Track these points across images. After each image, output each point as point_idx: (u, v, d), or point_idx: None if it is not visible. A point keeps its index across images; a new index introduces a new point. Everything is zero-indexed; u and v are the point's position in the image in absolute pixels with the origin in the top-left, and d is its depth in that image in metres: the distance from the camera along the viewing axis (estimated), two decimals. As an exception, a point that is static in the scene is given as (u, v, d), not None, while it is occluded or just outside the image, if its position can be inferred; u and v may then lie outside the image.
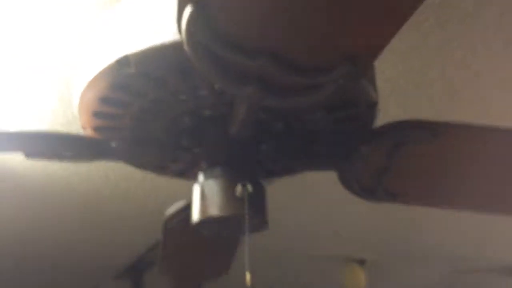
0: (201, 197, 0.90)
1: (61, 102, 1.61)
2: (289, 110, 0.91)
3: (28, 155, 0.91)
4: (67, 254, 2.77)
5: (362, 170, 1.02)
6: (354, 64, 0.66)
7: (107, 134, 0.96)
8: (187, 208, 1.05)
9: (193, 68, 0.79)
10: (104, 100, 0.87)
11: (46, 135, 0.90)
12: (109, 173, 2.10)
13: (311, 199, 2.37)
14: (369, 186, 1.06)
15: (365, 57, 0.65)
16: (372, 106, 0.93)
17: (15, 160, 1.92)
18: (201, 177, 0.94)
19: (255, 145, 0.98)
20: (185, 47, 0.69)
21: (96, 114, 0.91)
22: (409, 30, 1.39)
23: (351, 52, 0.65)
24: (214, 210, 0.87)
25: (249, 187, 0.86)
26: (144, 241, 2.62)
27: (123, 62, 0.79)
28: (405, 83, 1.60)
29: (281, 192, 2.23)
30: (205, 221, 0.88)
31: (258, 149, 1.02)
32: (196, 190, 0.92)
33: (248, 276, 0.82)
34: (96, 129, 0.95)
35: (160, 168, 1.11)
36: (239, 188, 0.86)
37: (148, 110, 0.91)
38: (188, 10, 0.64)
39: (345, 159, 1.01)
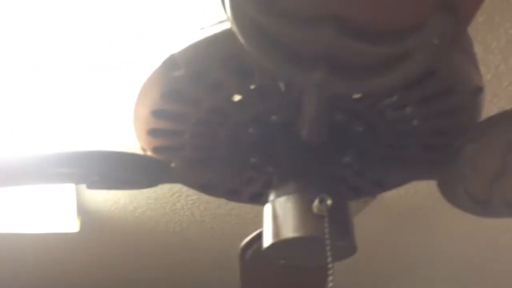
0: (273, 217, 0.76)
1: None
2: (370, 105, 0.76)
3: (86, 179, 0.83)
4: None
5: (471, 177, 0.82)
6: (451, 13, 0.48)
7: (167, 154, 0.87)
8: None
9: (250, 62, 0.67)
10: (157, 113, 0.78)
11: (103, 154, 0.82)
12: (194, 211, 2.05)
13: (404, 228, 2.11)
14: (481, 197, 0.85)
15: (465, 3, 0.48)
16: (476, 93, 0.74)
17: (107, 204, 1.94)
18: (272, 195, 0.80)
19: (332, 153, 0.82)
20: (233, 27, 0.57)
21: (152, 132, 0.82)
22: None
23: None
24: (288, 232, 0.72)
25: (329, 201, 0.71)
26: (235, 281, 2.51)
27: (170, 64, 0.69)
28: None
29: (368, 223, 2.01)
30: (278, 245, 0.73)
31: (339, 162, 0.87)
32: (267, 211, 0.78)
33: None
34: (155, 150, 0.86)
35: (232, 193, 0.99)
36: (316, 203, 0.71)
37: (207, 122, 0.80)
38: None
39: (448, 164, 0.82)
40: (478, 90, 0.74)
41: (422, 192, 1.84)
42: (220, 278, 2.53)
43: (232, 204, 2.00)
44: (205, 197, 1.94)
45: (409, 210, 1.95)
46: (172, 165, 0.85)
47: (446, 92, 0.72)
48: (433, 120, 0.78)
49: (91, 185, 0.87)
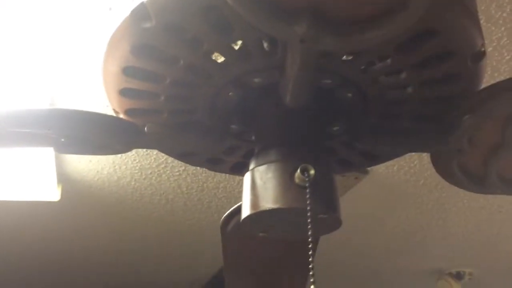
0: (252, 187, 0.70)
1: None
2: (361, 69, 0.69)
3: (52, 141, 0.76)
4: (140, 268, 2.70)
5: (467, 151, 0.77)
6: None
7: (142, 118, 0.80)
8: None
9: (230, 16, 0.60)
10: (128, 71, 0.71)
11: (70, 113, 0.75)
12: (181, 183, 2.00)
13: (397, 205, 2.08)
14: (476, 172, 0.80)
15: None
16: (478, 58, 0.68)
17: (90, 174, 1.88)
18: (252, 163, 0.74)
19: (319, 121, 0.76)
20: None
21: (124, 93, 0.75)
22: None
23: None
24: (267, 202, 0.67)
25: (312, 171, 0.65)
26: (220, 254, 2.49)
27: (139, 14, 0.62)
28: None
29: (360, 200, 1.97)
30: (257, 217, 0.68)
31: (327, 132, 0.81)
32: (247, 180, 0.73)
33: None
34: (128, 112, 0.79)
35: (212, 162, 0.93)
36: (298, 173, 0.65)
37: (184, 83, 0.74)
38: None
39: (443, 136, 0.76)
40: (480, 55, 0.68)
41: (414, 169, 1.80)
42: (204, 251, 2.50)
43: (220, 177, 1.95)
44: (192, 169, 1.89)
45: (401, 187, 1.91)
46: (146, 129, 0.79)
47: (445, 56, 0.66)
48: (429, 87, 0.72)
49: (59, 149, 0.81)
